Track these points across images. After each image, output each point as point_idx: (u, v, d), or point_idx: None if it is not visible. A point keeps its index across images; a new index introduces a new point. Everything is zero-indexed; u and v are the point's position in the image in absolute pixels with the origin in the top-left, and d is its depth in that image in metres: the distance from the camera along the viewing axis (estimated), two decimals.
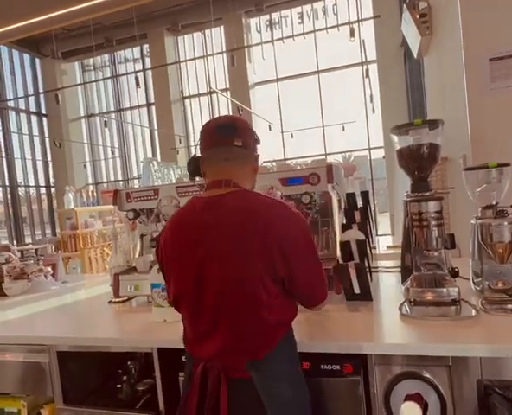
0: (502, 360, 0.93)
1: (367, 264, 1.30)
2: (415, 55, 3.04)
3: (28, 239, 8.65)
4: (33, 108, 9.18)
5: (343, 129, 7.55)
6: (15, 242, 8.12)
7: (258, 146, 1.02)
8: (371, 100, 6.80)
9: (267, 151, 8.27)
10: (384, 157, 6.76)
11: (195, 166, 1.03)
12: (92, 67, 9.59)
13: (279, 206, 0.93)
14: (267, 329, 0.89)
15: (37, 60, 9.13)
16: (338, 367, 1.03)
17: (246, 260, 0.86)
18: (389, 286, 1.58)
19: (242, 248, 0.86)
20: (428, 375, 0.97)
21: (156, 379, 1.22)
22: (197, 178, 1.06)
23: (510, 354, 0.91)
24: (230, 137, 0.95)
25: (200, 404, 0.89)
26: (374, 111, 6.92)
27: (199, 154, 1.01)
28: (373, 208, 1.94)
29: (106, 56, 9.27)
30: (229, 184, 0.94)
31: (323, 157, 7.06)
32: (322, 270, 0.98)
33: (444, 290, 1.16)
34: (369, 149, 7.69)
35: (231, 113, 7.63)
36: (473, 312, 1.10)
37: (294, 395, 0.91)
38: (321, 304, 1.01)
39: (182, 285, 0.93)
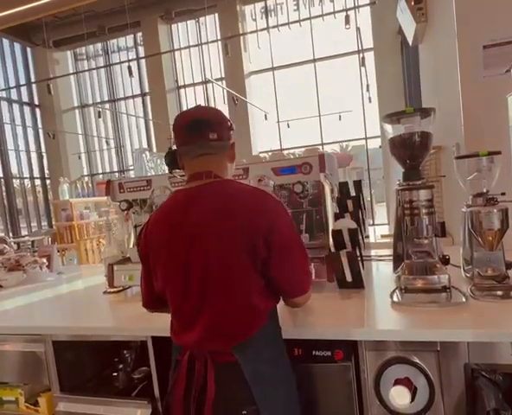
0: (488, 344, 0.95)
1: (359, 253, 1.31)
2: (410, 43, 3.01)
3: (24, 231, 8.62)
4: (25, 99, 9.05)
5: (340, 118, 7.51)
6: (11, 234, 8.09)
7: (232, 133, 1.02)
8: (367, 89, 6.75)
9: (263, 141, 8.25)
10: (381, 147, 6.76)
11: (171, 159, 1.05)
12: (84, 56, 9.43)
13: (260, 193, 0.95)
14: (252, 313, 0.90)
15: (28, 50, 8.95)
16: (329, 354, 1.05)
17: (229, 246, 0.87)
18: (382, 274, 1.60)
19: (225, 234, 0.88)
20: (417, 360, 0.99)
21: (151, 367, 1.24)
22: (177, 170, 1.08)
23: (496, 338, 0.93)
24: (205, 131, 0.95)
25: (186, 391, 0.90)
26: (370, 101, 6.88)
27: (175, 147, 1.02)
28: (369, 198, 1.94)
29: (99, 45, 9.11)
30: (210, 175, 0.95)
31: (318, 147, 7.04)
32: (306, 258, 0.97)
33: (435, 277, 1.18)
34: (366, 138, 7.68)
35: (226, 103, 7.56)
36: (463, 299, 1.12)
37: (279, 376, 0.93)
38: (304, 296, 0.97)
39: (170, 274, 0.94)
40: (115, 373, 1.52)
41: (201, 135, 0.95)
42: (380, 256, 1.82)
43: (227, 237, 0.88)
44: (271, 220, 0.89)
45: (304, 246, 0.97)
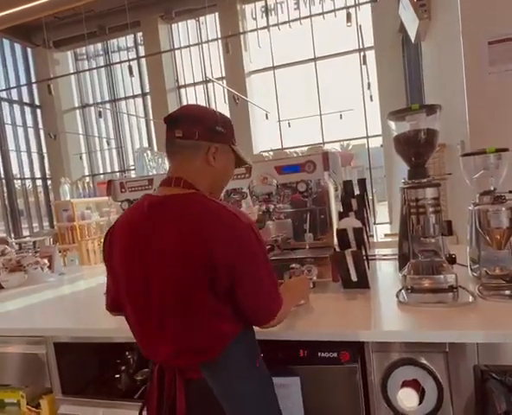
0: (498, 345, 0.93)
1: (364, 252, 1.29)
2: (413, 40, 2.99)
3: (25, 232, 8.62)
4: (26, 99, 9.05)
5: (341, 117, 7.49)
6: (12, 235, 8.09)
7: (219, 136, 0.92)
8: (368, 87, 6.73)
9: (264, 141, 8.23)
10: (382, 146, 6.74)
11: None
12: (85, 57, 9.43)
13: (227, 218, 0.83)
14: (219, 334, 0.85)
15: (29, 50, 8.95)
16: (335, 355, 1.03)
17: (188, 274, 0.81)
18: (387, 274, 1.58)
19: (185, 260, 0.81)
20: (425, 361, 0.97)
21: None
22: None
23: (507, 339, 0.91)
24: (171, 129, 0.90)
25: (159, 402, 0.88)
26: (371, 99, 6.86)
27: None
28: (371, 197, 1.93)
29: (99, 45, 9.11)
30: (179, 183, 0.88)
31: (320, 145, 7.02)
32: (273, 281, 0.89)
33: (442, 276, 1.16)
34: (367, 137, 7.65)
35: (227, 102, 7.53)
36: (470, 298, 1.10)
37: (252, 392, 0.89)
38: (273, 321, 0.89)
39: (129, 286, 0.89)
40: (117, 375, 1.50)
41: (169, 131, 0.90)
42: (385, 255, 1.80)
43: (187, 263, 0.81)
44: (237, 251, 0.82)
45: (270, 267, 0.89)
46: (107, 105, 9.38)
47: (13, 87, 8.67)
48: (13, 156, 8.62)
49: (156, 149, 8.09)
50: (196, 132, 0.89)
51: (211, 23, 8.17)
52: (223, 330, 0.85)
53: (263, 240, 0.89)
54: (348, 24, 5.07)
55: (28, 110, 9.06)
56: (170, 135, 0.91)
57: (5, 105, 8.53)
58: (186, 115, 0.92)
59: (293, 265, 1.37)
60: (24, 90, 9.00)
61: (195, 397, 0.86)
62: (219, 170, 0.94)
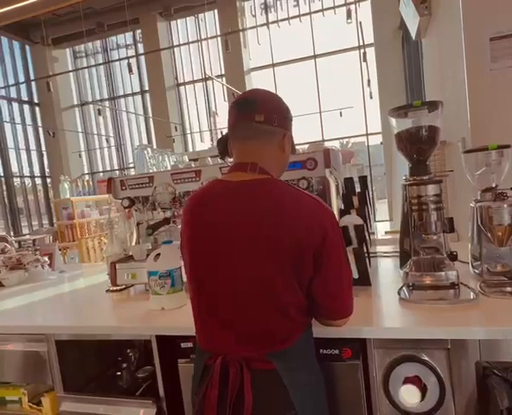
0: (500, 342, 0.93)
1: (365, 250, 1.29)
2: (413, 37, 2.97)
3: (25, 230, 8.61)
4: (25, 97, 9.01)
5: (341, 114, 7.48)
6: (12, 233, 8.08)
7: (289, 123, 0.93)
8: (368, 85, 6.71)
9: None
10: (382, 143, 6.73)
11: (223, 145, 0.95)
12: (83, 54, 9.39)
13: (314, 204, 0.84)
14: (289, 327, 0.86)
15: (27, 47, 8.91)
16: (337, 352, 1.03)
17: (273, 259, 0.80)
18: (388, 271, 1.58)
19: (270, 245, 0.80)
20: (427, 358, 0.97)
21: (156, 366, 1.22)
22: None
23: (509, 336, 0.91)
24: (250, 112, 0.86)
25: (220, 397, 0.84)
26: (371, 97, 6.84)
27: None
28: (371, 194, 1.92)
29: (98, 42, 9.07)
30: (255, 169, 0.86)
31: (320, 142, 6.99)
32: (351, 280, 0.91)
33: (443, 273, 1.16)
34: (367, 134, 7.64)
35: (226, 100, 7.51)
36: (472, 295, 1.10)
37: (314, 382, 0.90)
38: (346, 319, 0.92)
39: (197, 272, 0.88)
40: (119, 373, 1.50)
41: (245, 115, 0.87)
42: (386, 252, 1.80)
43: (273, 248, 0.80)
44: (323, 237, 0.81)
45: (350, 267, 0.90)
46: (106, 103, 9.36)
47: (12, 85, 8.64)
48: (12, 154, 8.60)
49: (155, 146, 8.08)
50: (276, 118, 0.88)
51: (210, 20, 8.14)
52: (299, 320, 0.86)
53: None
54: (349, 21, 5.05)
55: (26, 108, 9.03)
56: (247, 118, 0.87)
57: (4, 103, 8.50)
58: (264, 99, 0.90)
59: None
60: (23, 88, 8.97)
61: (262, 388, 0.84)
62: (286, 157, 0.96)
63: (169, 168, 2.76)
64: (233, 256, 0.83)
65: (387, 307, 1.15)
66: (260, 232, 0.81)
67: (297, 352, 0.86)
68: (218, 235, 0.84)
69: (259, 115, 0.86)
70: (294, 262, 0.80)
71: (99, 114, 8.53)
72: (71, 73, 9.24)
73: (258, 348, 0.85)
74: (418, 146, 1.21)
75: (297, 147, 1.09)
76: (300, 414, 0.84)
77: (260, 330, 0.85)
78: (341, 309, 0.91)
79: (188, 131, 8.83)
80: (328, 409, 0.95)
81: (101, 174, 9.60)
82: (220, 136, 1.02)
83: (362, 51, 6.15)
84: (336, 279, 0.87)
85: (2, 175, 8.27)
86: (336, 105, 7.55)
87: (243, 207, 0.84)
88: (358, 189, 1.66)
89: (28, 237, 7.10)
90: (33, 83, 8.97)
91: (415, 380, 0.96)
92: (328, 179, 1.41)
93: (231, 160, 0.99)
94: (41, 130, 9.14)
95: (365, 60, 6.22)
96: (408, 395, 0.96)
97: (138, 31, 8.54)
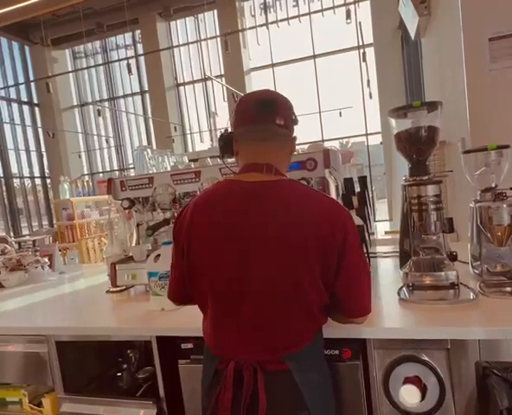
0: (500, 342, 0.93)
1: (365, 250, 1.29)
2: (413, 37, 2.98)
3: (25, 231, 8.61)
4: (24, 97, 9.01)
5: (340, 115, 7.48)
6: (12, 234, 8.08)
7: (296, 125, 0.94)
8: (368, 85, 6.71)
9: None
10: (381, 143, 6.73)
11: (226, 143, 0.93)
12: (83, 55, 9.39)
13: (333, 203, 0.87)
14: (311, 325, 0.87)
15: (27, 48, 8.91)
16: (337, 352, 1.03)
17: (299, 258, 0.80)
18: (388, 271, 1.59)
19: (295, 245, 0.80)
20: (427, 358, 0.98)
21: (156, 367, 1.22)
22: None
23: (508, 336, 0.91)
24: (272, 114, 0.86)
25: (234, 400, 0.83)
26: (371, 97, 6.84)
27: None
28: (371, 194, 1.92)
29: (98, 43, 9.07)
30: (271, 170, 0.86)
31: (320, 142, 7.00)
32: (370, 277, 0.92)
33: (443, 274, 1.16)
34: (367, 134, 7.64)
35: (226, 100, 7.52)
36: (471, 295, 1.10)
37: (324, 382, 0.91)
38: (365, 317, 0.92)
39: (218, 273, 0.85)
40: (119, 373, 1.51)
41: (266, 116, 0.86)
42: (386, 252, 1.80)
43: (301, 248, 0.80)
44: (344, 236, 0.82)
45: (368, 264, 0.92)
46: (106, 104, 9.36)
47: (11, 86, 8.64)
48: (12, 154, 8.60)
49: (155, 146, 8.08)
50: (290, 123, 0.90)
51: (210, 21, 8.14)
52: (320, 320, 0.87)
53: None
54: (348, 21, 5.05)
55: (26, 108, 9.03)
56: (268, 120, 0.86)
57: (3, 104, 8.50)
58: (280, 102, 0.90)
59: None
60: (22, 88, 8.97)
61: (276, 389, 0.83)
62: (290, 159, 0.98)
63: (168, 168, 2.76)
64: (263, 257, 0.82)
65: (386, 307, 1.15)
66: (288, 232, 0.81)
67: (310, 352, 0.87)
68: (242, 235, 0.82)
69: (279, 118, 0.86)
70: (320, 261, 0.81)
71: (99, 115, 8.53)
72: (70, 74, 9.24)
73: (275, 351, 0.84)
74: (417, 146, 1.22)
75: (296, 147, 1.09)
76: (312, 414, 0.84)
77: (282, 331, 0.84)
78: (363, 307, 0.91)
79: (188, 132, 8.84)
80: (334, 409, 0.95)
81: (101, 174, 9.60)
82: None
83: (362, 51, 6.15)
84: (357, 277, 0.87)
85: (1, 175, 8.27)
86: (336, 105, 7.55)
87: (267, 207, 0.83)
88: (358, 189, 1.66)
89: (28, 238, 7.09)
90: (32, 84, 8.97)
91: (415, 380, 0.97)
92: (327, 179, 1.41)
93: (231, 160, 0.98)
94: (40, 130, 9.14)
95: (364, 60, 6.22)
96: (408, 395, 0.96)
97: (138, 32, 8.54)
